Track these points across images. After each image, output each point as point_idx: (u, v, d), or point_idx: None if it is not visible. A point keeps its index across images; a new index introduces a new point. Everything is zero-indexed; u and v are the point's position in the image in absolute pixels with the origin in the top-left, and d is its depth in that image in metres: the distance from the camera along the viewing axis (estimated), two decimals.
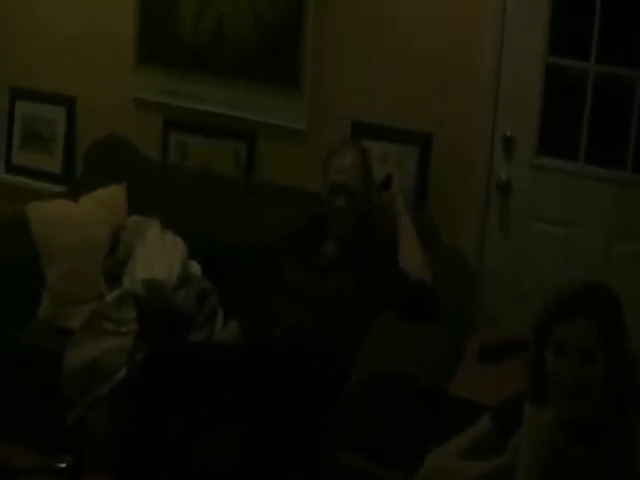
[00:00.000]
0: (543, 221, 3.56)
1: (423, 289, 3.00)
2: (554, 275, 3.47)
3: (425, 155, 3.58)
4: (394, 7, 3.58)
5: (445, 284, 3.08)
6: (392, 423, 2.71)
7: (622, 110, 3.40)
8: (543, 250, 3.56)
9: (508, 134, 3.53)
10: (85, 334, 3.22)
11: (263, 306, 3.22)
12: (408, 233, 3.14)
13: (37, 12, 4.20)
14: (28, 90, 4.24)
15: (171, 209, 3.62)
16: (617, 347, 1.99)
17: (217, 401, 2.90)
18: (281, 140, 3.83)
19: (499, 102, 3.51)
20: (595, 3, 3.34)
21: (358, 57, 3.66)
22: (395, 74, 3.61)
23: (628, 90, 3.38)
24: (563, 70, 3.47)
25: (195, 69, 3.91)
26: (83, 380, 3.11)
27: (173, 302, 3.30)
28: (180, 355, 3.01)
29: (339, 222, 3.22)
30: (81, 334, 3.22)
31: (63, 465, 2.64)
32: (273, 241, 3.36)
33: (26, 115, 4.27)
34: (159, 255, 3.40)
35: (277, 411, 2.82)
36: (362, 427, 2.75)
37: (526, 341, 2.11)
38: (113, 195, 3.72)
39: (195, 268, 3.48)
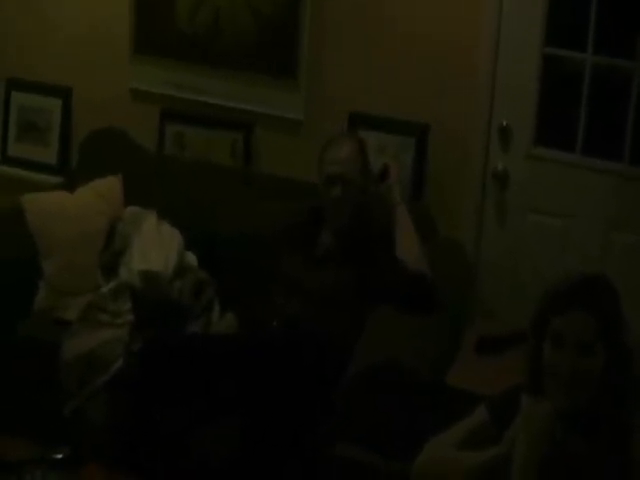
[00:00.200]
0: (540, 212, 3.56)
1: (423, 281, 3.00)
2: (551, 267, 3.47)
3: (422, 146, 3.58)
4: None
5: (442, 276, 3.08)
6: (390, 414, 2.71)
7: (619, 101, 3.40)
8: (540, 241, 3.56)
9: (505, 125, 3.52)
10: (82, 325, 3.22)
11: (260, 297, 3.22)
12: (405, 224, 3.14)
13: (34, 4, 4.18)
14: (24, 81, 4.22)
15: (168, 200, 3.61)
16: (615, 339, 1.99)
17: (214, 393, 2.90)
18: (278, 131, 3.82)
19: (496, 93, 3.51)
20: None
21: (355, 48, 3.65)
22: (392, 65, 3.60)
23: (625, 81, 3.38)
24: (560, 61, 3.47)
25: (192, 60, 3.89)
26: (80, 371, 3.12)
27: (169, 293, 3.30)
28: (176, 347, 3.01)
29: (336, 213, 3.21)
30: (78, 325, 3.23)
31: (60, 457, 2.63)
32: (270, 232, 3.36)
33: (22, 106, 4.25)
34: (155, 246, 3.40)
35: (274, 403, 2.82)
36: (360, 418, 2.75)
37: (524, 333, 2.12)
38: (109, 186, 3.71)
39: (191, 259, 3.48)
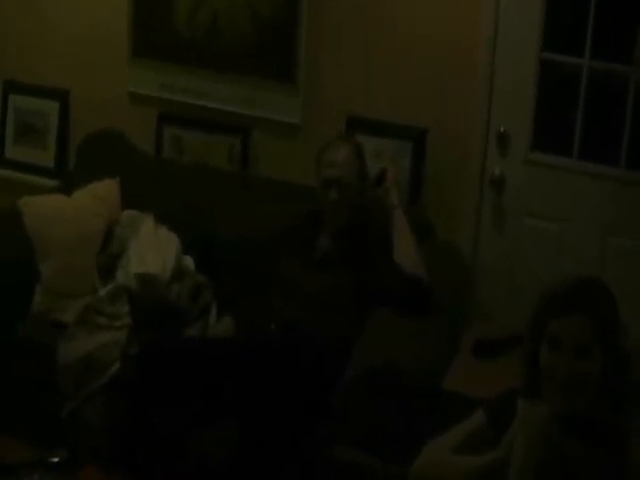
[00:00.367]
0: (536, 217, 3.57)
1: (419, 284, 3.01)
2: (547, 271, 3.47)
3: (420, 150, 3.58)
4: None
5: (440, 279, 3.08)
6: (388, 417, 2.71)
7: (616, 106, 3.40)
8: (536, 245, 3.57)
9: (502, 130, 3.53)
10: (79, 328, 3.22)
11: (258, 300, 3.22)
12: (402, 227, 3.14)
13: (34, 6, 4.18)
14: (22, 83, 4.23)
15: (165, 203, 3.61)
16: (612, 342, 1.99)
17: (212, 396, 2.90)
18: (276, 135, 3.83)
19: (493, 98, 3.51)
20: None
21: (354, 52, 3.65)
22: (391, 70, 3.60)
23: (622, 86, 3.38)
24: (557, 66, 3.48)
25: (190, 63, 3.90)
26: (78, 374, 3.11)
27: (167, 296, 3.30)
28: (174, 350, 3.01)
29: (334, 216, 3.22)
30: (75, 328, 3.23)
31: (57, 459, 2.63)
32: (268, 235, 3.36)
33: (19, 109, 4.26)
34: (153, 249, 3.40)
35: (272, 406, 2.82)
36: (358, 421, 2.75)
37: (520, 336, 2.12)
38: (107, 189, 3.71)
39: (189, 262, 3.48)
